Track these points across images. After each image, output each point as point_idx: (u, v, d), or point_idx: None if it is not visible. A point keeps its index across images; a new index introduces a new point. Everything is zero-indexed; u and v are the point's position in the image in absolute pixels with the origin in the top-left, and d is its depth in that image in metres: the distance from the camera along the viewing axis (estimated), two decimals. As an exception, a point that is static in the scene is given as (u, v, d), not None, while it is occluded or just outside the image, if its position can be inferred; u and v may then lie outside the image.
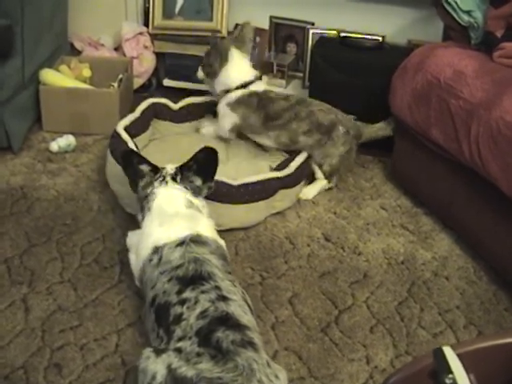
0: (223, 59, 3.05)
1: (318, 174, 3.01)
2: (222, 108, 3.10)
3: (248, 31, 3.18)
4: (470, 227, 2.63)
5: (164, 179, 2.28)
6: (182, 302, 1.85)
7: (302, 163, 2.93)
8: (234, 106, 3.04)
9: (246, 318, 1.84)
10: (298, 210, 2.90)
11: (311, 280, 2.47)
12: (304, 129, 2.96)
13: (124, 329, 2.18)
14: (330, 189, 3.08)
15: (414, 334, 2.24)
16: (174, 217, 2.17)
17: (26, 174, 3.04)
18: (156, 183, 2.28)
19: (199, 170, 2.30)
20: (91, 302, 2.30)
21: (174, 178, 2.29)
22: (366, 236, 2.75)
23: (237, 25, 3.96)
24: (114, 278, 2.42)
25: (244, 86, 3.05)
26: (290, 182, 2.83)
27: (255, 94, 3.03)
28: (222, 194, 2.54)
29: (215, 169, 2.32)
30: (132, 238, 2.36)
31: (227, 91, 3.07)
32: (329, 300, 2.37)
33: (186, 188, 2.29)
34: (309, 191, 3.01)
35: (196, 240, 2.08)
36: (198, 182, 2.31)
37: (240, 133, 3.14)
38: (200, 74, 3.18)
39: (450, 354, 1.30)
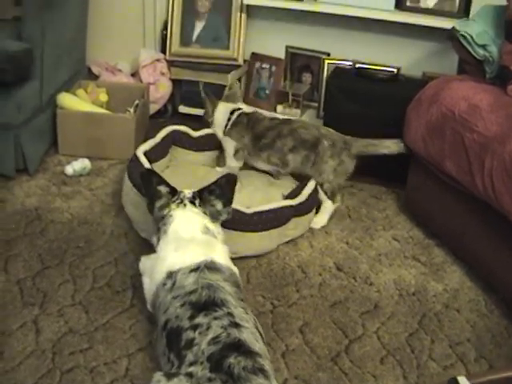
0: (212, 113, 3.29)
1: (321, 194, 3.02)
2: (223, 140, 3.27)
3: (236, 91, 3.48)
4: (482, 259, 2.62)
5: (182, 202, 2.31)
6: (195, 328, 1.85)
7: (314, 190, 2.94)
8: (229, 132, 3.22)
9: (258, 346, 1.84)
10: (310, 240, 2.90)
11: (322, 309, 2.47)
12: (289, 146, 3.04)
13: (134, 353, 2.18)
14: (337, 211, 3.11)
15: (424, 366, 2.22)
16: (189, 242, 2.19)
17: (40, 196, 3.06)
18: (173, 205, 2.30)
19: (221, 194, 2.34)
20: (102, 325, 2.29)
21: (192, 202, 2.31)
22: (377, 267, 2.74)
23: (253, 53, 4.01)
24: (126, 302, 2.42)
25: (232, 113, 3.24)
26: (302, 209, 2.84)
27: (244, 114, 3.23)
28: (236, 222, 2.54)
29: (233, 194, 2.37)
30: (145, 262, 2.36)
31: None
32: (339, 329, 2.37)
33: (205, 213, 2.31)
34: (319, 219, 3.02)
35: (210, 267, 2.09)
36: (219, 206, 2.34)
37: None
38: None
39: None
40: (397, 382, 2.15)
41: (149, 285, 2.22)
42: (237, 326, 1.86)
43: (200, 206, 2.32)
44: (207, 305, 1.93)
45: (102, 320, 2.32)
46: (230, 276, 2.14)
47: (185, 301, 1.96)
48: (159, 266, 2.15)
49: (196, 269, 2.06)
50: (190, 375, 1.70)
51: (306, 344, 2.28)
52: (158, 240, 2.29)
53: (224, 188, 2.34)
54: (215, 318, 1.87)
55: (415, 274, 2.71)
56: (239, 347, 1.78)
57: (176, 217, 2.28)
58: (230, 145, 3.20)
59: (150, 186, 2.35)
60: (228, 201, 2.36)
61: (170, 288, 2.04)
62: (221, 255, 2.20)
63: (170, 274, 2.08)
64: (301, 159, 3.03)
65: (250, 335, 1.85)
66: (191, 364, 1.75)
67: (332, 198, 3.03)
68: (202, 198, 2.33)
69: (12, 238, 2.73)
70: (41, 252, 2.66)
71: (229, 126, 3.22)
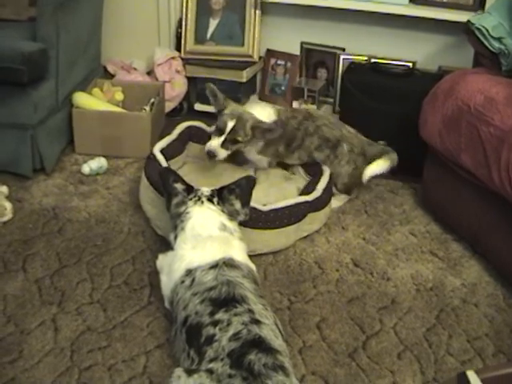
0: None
1: (335, 190, 3.07)
2: (257, 160, 3.11)
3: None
4: (499, 253, 2.61)
5: (200, 199, 2.32)
6: (215, 324, 1.86)
7: (328, 183, 2.95)
8: (264, 150, 3.03)
9: (278, 343, 1.85)
10: (327, 235, 2.90)
11: (339, 305, 2.47)
12: (315, 144, 3.04)
13: (152, 350, 2.19)
14: (351, 200, 3.17)
15: (442, 361, 2.22)
16: (207, 240, 2.20)
17: (57, 195, 3.08)
18: (191, 202, 2.32)
19: (241, 194, 2.36)
20: (120, 323, 2.30)
21: (210, 199, 2.33)
22: (394, 262, 2.74)
23: (268, 50, 4.01)
24: (144, 299, 2.42)
25: None
26: (318, 204, 2.84)
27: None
28: (253, 220, 2.54)
29: (251, 196, 2.39)
30: (162, 260, 2.37)
31: None
32: (356, 325, 2.36)
33: (223, 211, 2.33)
34: (332, 201, 3.05)
35: (229, 264, 2.11)
36: (238, 205, 2.36)
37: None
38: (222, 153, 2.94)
39: (473, 378, 1.29)
40: (414, 377, 2.14)
41: (166, 282, 2.23)
42: (257, 322, 1.87)
43: (218, 204, 2.33)
44: (227, 301, 1.94)
45: (119, 318, 2.33)
46: (248, 273, 2.15)
47: (205, 297, 1.97)
48: (177, 264, 2.17)
49: (215, 266, 2.08)
50: (210, 371, 1.71)
51: (323, 340, 2.28)
52: (175, 237, 2.30)
53: (244, 189, 2.36)
54: (235, 315, 1.88)
55: (433, 269, 2.70)
56: (260, 344, 1.79)
57: (193, 214, 2.29)
58: (264, 162, 3.14)
59: (167, 184, 2.37)
60: (246, 202, 2.38)
61: (190, 285, 2.06)
62: (239, 252, 2.21)
63: (189, 272, 2.10)
64: (323, 158, 3.05)
65: (270, 332, 1.86)
66: (212, 360, 1.76)
67: (347, 193, 3.09)
68: (221, 196, 2.35)
69: (30, 238, 2.74)
70: (58, 251, 2.67)
71: (262, 146, 3.02)
